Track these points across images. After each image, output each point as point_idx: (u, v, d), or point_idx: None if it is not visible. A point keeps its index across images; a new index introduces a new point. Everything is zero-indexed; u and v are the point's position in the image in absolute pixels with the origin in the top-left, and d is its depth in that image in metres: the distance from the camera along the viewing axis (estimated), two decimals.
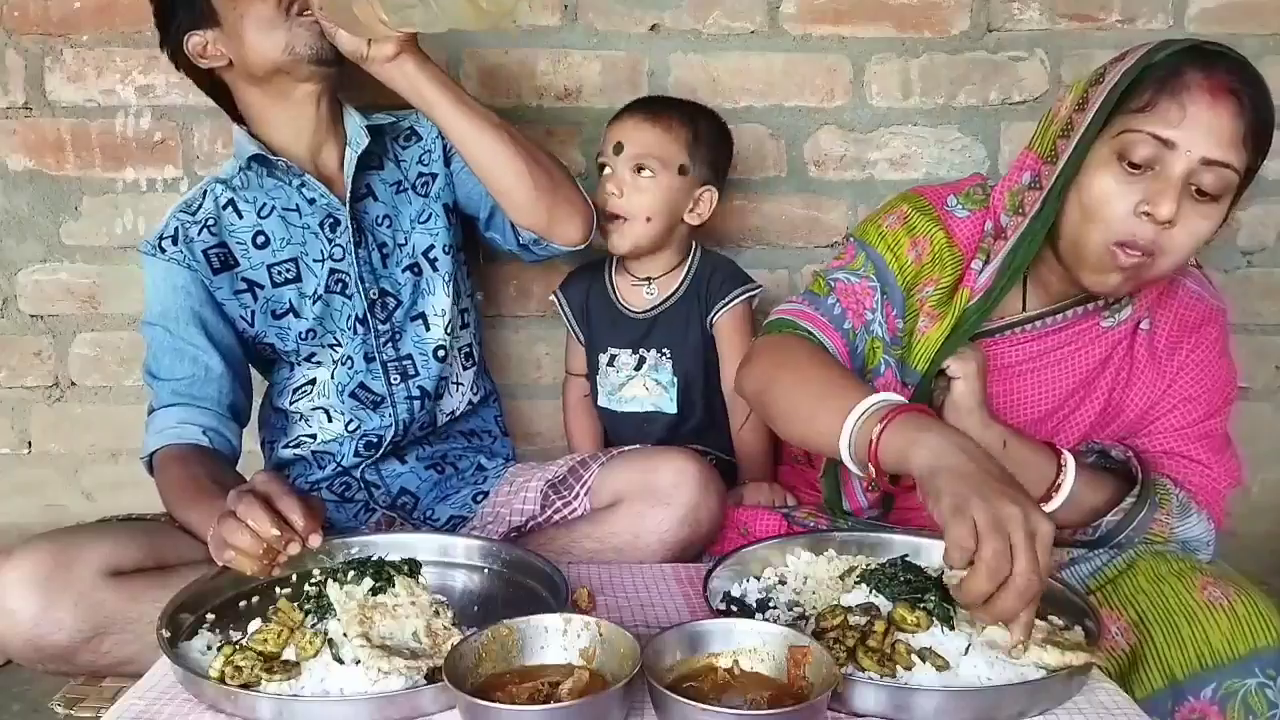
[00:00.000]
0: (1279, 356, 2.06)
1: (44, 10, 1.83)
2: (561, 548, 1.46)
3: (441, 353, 1.64)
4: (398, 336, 1.62)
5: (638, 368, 1.77)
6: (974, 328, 1.35)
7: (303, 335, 1.58)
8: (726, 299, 1.72)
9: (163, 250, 1.54)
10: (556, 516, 1.55)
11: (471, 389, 1.73)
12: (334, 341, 1.60)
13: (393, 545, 1.27)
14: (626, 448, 1.61)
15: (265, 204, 1.57)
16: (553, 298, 1.86)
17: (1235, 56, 1.21)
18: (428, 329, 1.64)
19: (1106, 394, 1.40)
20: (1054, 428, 1.42)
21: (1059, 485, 1.30)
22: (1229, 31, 1.88)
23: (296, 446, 1.65)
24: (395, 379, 1.61)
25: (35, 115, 1.87)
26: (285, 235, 1.57)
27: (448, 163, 1.65)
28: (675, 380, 1.76)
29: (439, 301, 1.64)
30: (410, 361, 1.63)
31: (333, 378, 1.61)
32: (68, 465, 1.99)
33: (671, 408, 1.77)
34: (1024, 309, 1.39)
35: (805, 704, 0.91)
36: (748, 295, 1.74)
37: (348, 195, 1.56)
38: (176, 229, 1.54)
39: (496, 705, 0.90)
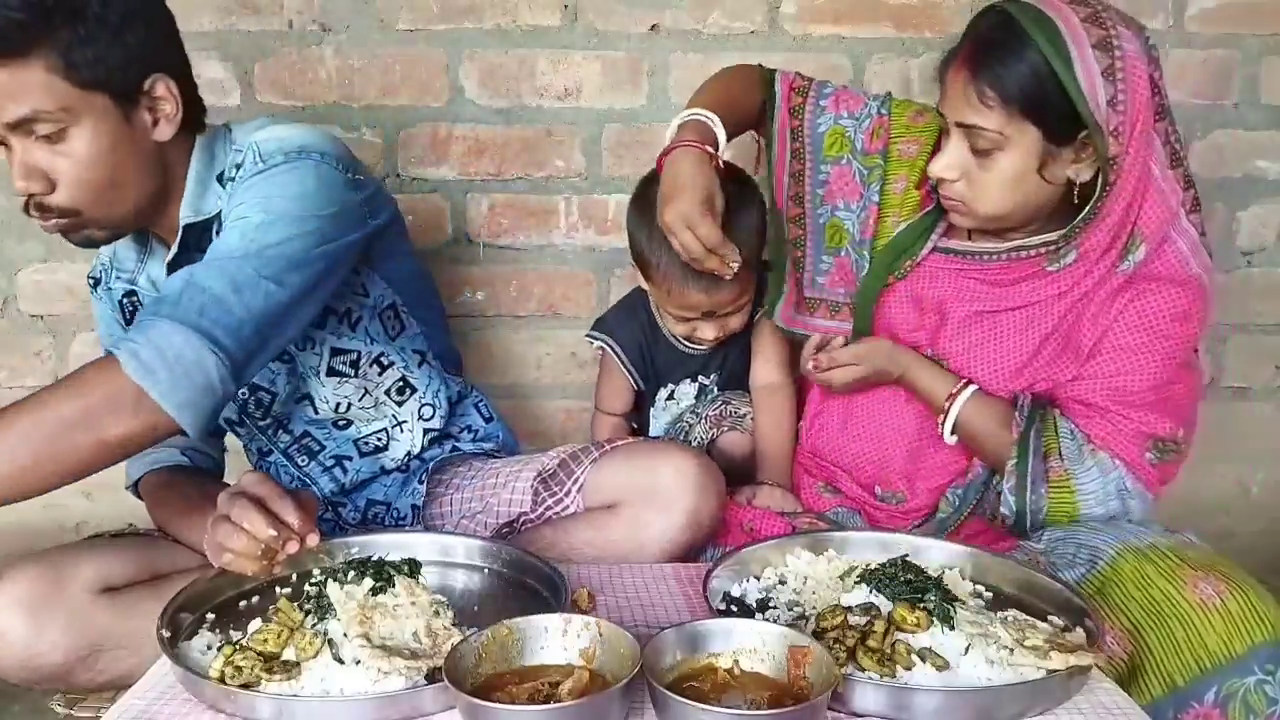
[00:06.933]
0: (1279, 356, 2.05)
1: None
2: (561, 554, 1.43)
3: (343, 423, 1.51)
4: (286, 421, 1.49)
5: (698, 395, 1.77)
6: (910, 238, 1.54)
7: None
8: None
9: (94, 288, 1.49)
10: (549, 514, 1.51)
11: (420, 415, 1.55)
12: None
13: (393, 545, 1.27)
14: (620, 441, 1.55)
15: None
16: (599, 346, 1.77)
17: (998, 17, 1.33)
18: (316, 411, 1.49)
19: (1067, 330, 1.44)
20: (1022, 365, 1.47)
21: (948, 410, 1.48)
22: (1229, 31, 1.88)
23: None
24: (303, 460, 1.51)
25: None
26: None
27: None
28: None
29: (322, 388, 1.46)
30: (310, 438, 1.50)
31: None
32: None
33: None
34: (969, 238, 1.52)
35: (805, 704, 0.91)
36: None
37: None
38: (101, 271, 1.48)
39: (496, 705, 0.90)
